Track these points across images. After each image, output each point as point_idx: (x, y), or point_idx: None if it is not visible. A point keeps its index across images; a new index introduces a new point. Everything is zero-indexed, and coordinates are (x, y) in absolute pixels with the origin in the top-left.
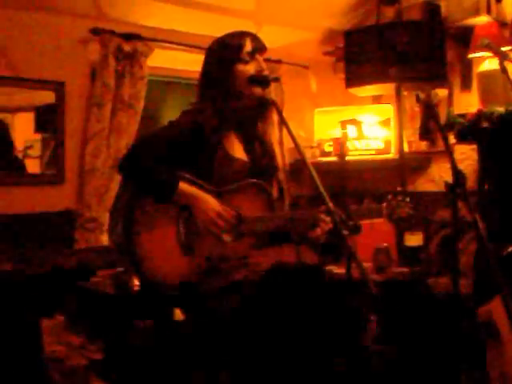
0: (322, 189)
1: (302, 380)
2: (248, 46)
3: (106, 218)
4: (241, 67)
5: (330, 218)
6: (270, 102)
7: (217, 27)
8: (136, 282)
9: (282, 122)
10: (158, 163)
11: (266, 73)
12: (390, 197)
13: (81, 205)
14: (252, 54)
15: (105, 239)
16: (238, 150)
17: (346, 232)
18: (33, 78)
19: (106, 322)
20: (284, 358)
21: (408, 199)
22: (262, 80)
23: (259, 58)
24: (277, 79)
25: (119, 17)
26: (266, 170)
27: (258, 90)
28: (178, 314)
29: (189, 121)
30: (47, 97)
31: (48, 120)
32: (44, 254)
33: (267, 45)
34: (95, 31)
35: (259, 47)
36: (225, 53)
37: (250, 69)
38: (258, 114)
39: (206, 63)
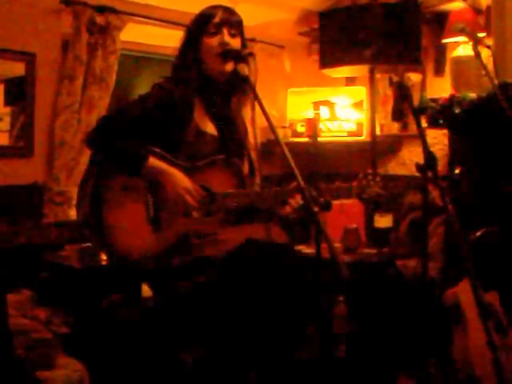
0: (294, 166)
1: (269, 355)
2: (217, 18)
3: (74, 192)
4: (206, 40)
5: (301, 195)
6: (243, 77)
7: (191, 3)
8: (104, 257)
9: (255, 99)
10: (128, 137)
11: (231, 47)
12: (360, 176)
13: (49, 178)
14: (219, 27)
15: (73, 214)
16: (208, 126)
17: (316, 208)
18: (2, 48)
19: (73, 297)
20: (249, 336)
21: (378, 179)
22: (234, 55)
23: (225, 31)
24: (251, 54)
25: None
26: (237, 147)
27: (229, 66)
28: (146, 290)
29: (160, 95)
30: (17, 68)
31: (18, 92)
32: (11, 228)
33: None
34: (67, 2)
35: (229, 20)
36: (193, 25)
37: (213, 42)
38: (230, 90)
39: (181, 38)
